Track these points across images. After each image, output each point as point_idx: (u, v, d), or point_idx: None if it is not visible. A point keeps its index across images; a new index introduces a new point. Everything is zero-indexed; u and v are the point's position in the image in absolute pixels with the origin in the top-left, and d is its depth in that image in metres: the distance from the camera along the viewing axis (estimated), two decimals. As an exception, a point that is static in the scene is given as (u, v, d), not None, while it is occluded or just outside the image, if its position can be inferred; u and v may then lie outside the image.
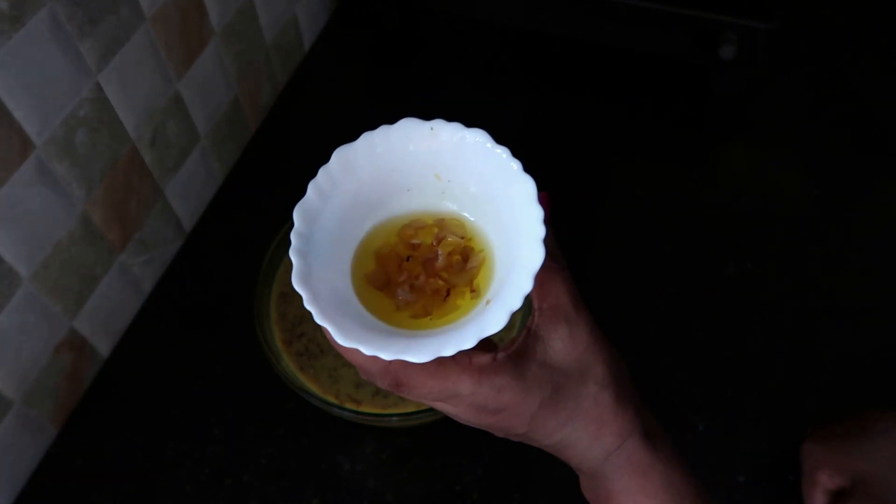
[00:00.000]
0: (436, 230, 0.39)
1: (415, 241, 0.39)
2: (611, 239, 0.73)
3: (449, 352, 0.33)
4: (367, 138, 0.39)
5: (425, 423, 0.59)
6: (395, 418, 0.57)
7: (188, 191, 0.73)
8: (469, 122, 0.39)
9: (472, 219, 0.40)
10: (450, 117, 0.39)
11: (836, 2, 0.92)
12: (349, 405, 0.57)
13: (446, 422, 0.61)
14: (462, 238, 0.39)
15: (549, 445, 0.40)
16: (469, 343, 0.33)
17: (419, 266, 0.39)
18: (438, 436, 0.61)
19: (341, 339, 0.34)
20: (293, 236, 0.37)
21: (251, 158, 0.81)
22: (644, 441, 0.39)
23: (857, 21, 0.90)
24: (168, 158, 0.69)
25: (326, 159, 0.40)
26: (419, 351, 0.33)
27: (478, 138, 0.37)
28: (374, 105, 0.86)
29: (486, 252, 0.39)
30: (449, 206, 0.40)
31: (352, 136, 0.40)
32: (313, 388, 0.58)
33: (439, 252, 0.39)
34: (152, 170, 0.67)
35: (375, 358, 0.34)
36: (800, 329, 0.66)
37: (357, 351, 0.34)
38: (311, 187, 0.39)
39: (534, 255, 0.34)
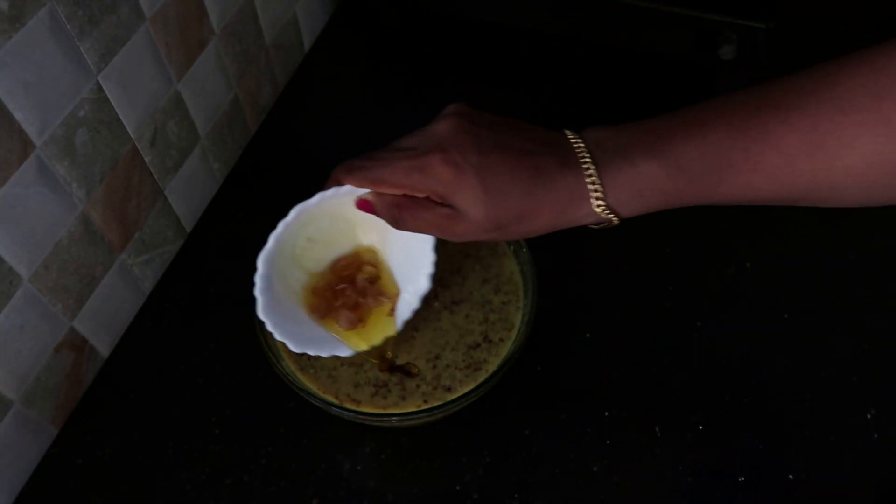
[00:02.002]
0: (356, 260, 0.56)
1: (345, 273, 0.56)
2: (611, 239, 0.73)
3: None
4: (321, 198, 0.51)
5: (425, 423, 0.59)
6: (394, 418, 0.57)
7: (188, 191, 0.73)
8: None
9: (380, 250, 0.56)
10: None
11: (836, 2, 0.92)
12: (349, 405, 0.57)
13: (446, 422, 0.61)
14: (374, 266, 0.56)
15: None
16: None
17: (350, 290, 0.56)
18: (438, 436, 0.61)
19: (293, 348, 0.53)
20: (257, 279, 0.52)
21: (251, 158, 0.81)
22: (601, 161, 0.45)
23: (856, 21, 0.90)
24: (168, 158, 0.69)
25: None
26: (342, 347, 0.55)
27: None
28: (373, 105, 0.86)
29: (390, 276, 0.56)
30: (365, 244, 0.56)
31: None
32: (313, 387, 0.58)
33: (358, 278, 0.55)
34: (152, 170, 0.67)
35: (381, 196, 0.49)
36: (799, 329, 0.66)
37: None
38: (272, 238, 0.51)
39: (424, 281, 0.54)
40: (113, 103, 0.60)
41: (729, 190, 0.44)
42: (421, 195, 0.47)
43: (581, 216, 0.46)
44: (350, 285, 0.55)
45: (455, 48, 0.91)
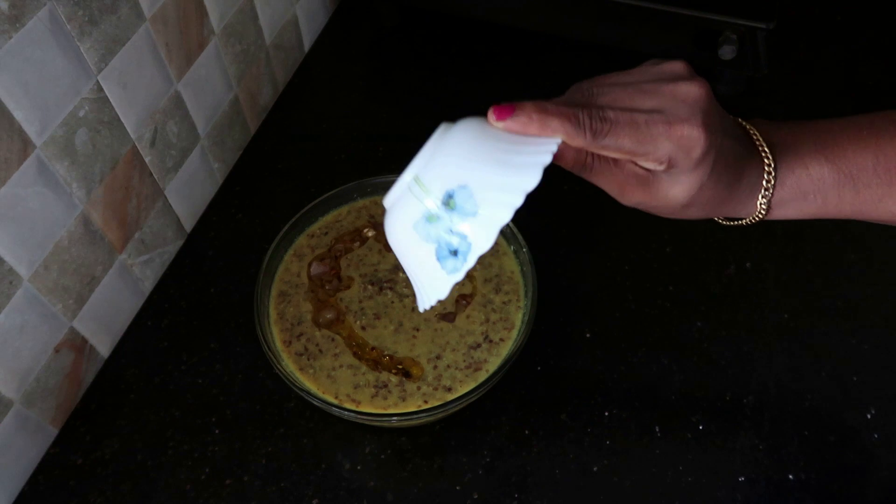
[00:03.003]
0: None
1: None
2: (612, 239, 0.73)
3: None
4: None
5: (425, 423, 0.59)
6: (394, 418, 0.57)
7: (188, 191, 0.73)
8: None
9: None
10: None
11: (836, 2, 0.92)
12: (348, 405, 0.57)
13: (446, 422, 0.61)
14: None
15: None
16: None
17: None
18: (438, 436, 0.61)
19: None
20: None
21: (251, 158, 0.81)
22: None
23: (857, 21, 0.90)
24: (168, 158, 0.69)
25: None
26: None
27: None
28: (373, 105, 0.86)
29: None
30: None
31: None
32: (313, 387, 0.58)
33: None
34: (152, 170, 0.67)
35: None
36: (799, 329, 0.66)
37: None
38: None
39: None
40: (113, 103, 0.60)
41: (892, 206, 0.42)
42: (647, 162, 0.40)
43: (739, 210, 0.43)
44: None
45: (455, 48, 0.91)
